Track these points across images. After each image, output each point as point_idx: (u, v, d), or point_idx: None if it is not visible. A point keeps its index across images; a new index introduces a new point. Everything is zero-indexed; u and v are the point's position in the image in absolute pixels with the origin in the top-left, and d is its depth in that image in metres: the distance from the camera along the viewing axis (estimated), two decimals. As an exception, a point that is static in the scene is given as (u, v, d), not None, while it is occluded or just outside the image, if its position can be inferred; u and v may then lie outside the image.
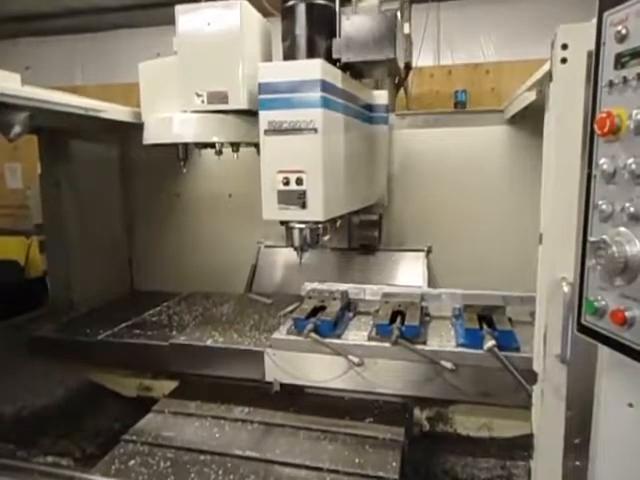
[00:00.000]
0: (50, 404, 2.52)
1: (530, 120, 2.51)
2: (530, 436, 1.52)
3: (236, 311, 2.74)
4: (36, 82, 2.02)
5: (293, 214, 2.00)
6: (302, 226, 2.10)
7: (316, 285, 2.54)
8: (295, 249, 2.20)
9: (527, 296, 2.21)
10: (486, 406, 2.07)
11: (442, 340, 2.09)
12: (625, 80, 0.99)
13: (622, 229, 1.00)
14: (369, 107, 2.69)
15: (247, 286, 3.09)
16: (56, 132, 2.84)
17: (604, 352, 1.17)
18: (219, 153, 2.43)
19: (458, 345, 2.02)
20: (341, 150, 2.18)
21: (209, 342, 2.29)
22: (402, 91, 3.57)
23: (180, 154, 2.49)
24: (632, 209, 0.98)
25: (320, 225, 2.11)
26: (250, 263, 3.16)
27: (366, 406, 2.09)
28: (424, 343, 2.04)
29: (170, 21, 2.21)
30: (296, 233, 2.14)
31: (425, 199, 2.93)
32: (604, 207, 1.04)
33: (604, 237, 1.02)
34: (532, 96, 2.01)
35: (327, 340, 2.06)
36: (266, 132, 1.96)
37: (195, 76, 2.19)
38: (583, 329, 1.13)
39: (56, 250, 3.06)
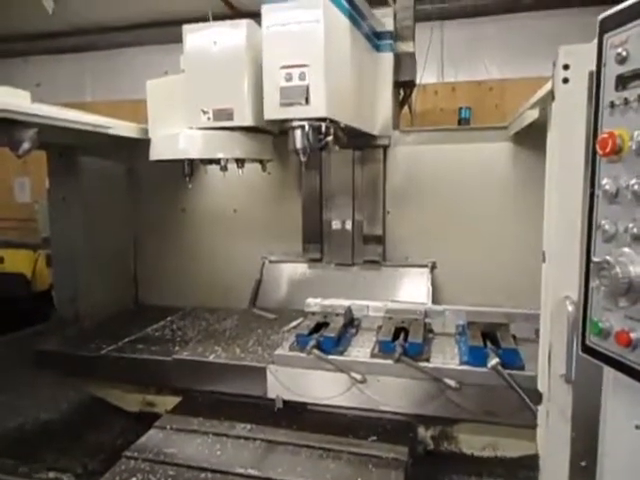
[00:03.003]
0: (53, 419, 2.51)
1: (534, 137, 2.50)
2: (536, 456, 1.49)
3: (239, 326, 2.73)
4: (46, 99, 2.06)
5: (295, 111, 1.94)
6: (304, 124, 2.02)
7: (319, 301, 2.53)
8: (297, 153, 2.10)
9: (532, 313, 2.19)
10: (491, 425, 2.03)
11: (446, 357, 2.08)
12: (626, 101, 0.99)
13: (626, 249, 1.00)
14: (376, 34, 2.68)
15: (251, 301, 3.09)
16: (65, 148, 2.88)
17: (610, 373, 1.16)
18: (224, 169, 2.45)
19: (462, 363, 2.00)
20: (346, 55, 2.15)
21: (212, 358, 2.29)
22: (406, 108, 3.59)
23: (185, 170, 2.51)
24: (635, 229, 0.98)
25: (323, 124, 2.03)
26: (254, 278, 3.15)
27: (369, 424, 2.07)
28: (427, 360, 2.03)
29: (178, 39, 2.25)
30: (298, 133, 2.04)
31: (429, 215, 2.93)
32: (607, 227, 1.04)
33: (607, 258, 1.01)
34: (535, 114, 2.02)
35: (330, 357, 2.05)
36: (268, 26, 1.94)
37: (201, 93, 2.23)
38: (587, 350, 1.12)
39: (62, 264, 3.07)
